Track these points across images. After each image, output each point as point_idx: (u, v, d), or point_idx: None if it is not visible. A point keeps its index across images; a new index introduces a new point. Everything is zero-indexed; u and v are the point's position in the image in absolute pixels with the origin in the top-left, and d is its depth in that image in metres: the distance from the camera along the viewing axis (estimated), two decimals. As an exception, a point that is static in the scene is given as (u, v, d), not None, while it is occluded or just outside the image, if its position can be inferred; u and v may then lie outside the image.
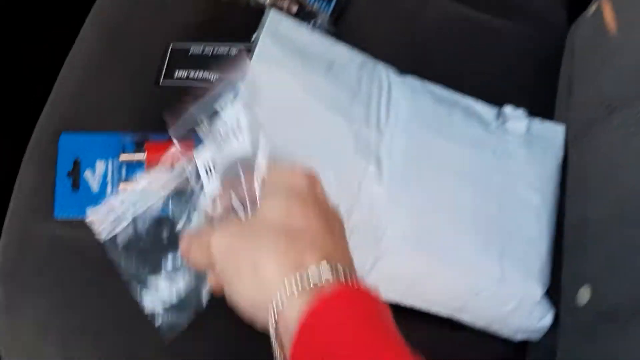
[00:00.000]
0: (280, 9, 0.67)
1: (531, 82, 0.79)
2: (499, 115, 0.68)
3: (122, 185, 0.58)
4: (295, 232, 0.39)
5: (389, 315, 0.39)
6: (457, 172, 0.62)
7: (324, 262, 0.38)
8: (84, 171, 0.59)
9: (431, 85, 0.69)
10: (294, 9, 0.68)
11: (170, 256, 0.50)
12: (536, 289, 0.60)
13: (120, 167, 0.59)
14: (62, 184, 0.58)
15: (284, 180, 0.43)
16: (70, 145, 0.59)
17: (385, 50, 0.72)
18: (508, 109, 0.68)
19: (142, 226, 0.49)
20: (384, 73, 0.67)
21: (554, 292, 0.62)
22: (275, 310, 0.37)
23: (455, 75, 0.74)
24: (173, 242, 0.49)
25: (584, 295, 0.59)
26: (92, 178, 0.59)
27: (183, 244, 0.46)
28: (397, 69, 0.69)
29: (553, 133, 0.68)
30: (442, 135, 0.64)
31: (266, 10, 0.66)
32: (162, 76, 0.67)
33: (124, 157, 0.59)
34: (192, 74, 0.65)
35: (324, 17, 0.69)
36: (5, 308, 0.56)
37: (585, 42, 0.72)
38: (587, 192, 0.65)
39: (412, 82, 0.67)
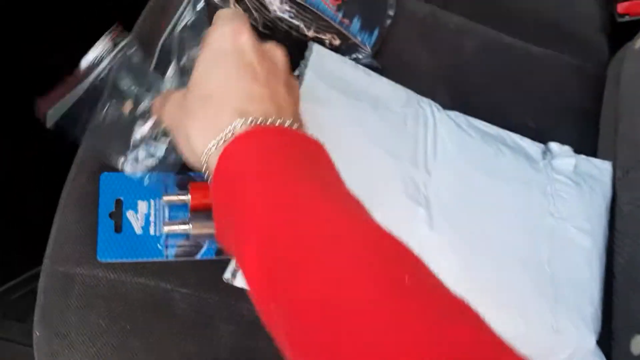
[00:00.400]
0: (323, 41, 0.66)
1: (572, 111, 0.77)
2: (546, 152, 0.67)
3: (166, 228, 0.56)
4: (212, 98, 0.43)
5: (316, 152, 0.42)
6: (508, 214, 0.60)
7: (237, 118, 0.41)
8: (126, 212, 0.57)
9: (476, 120, 0.67)
10: (337, 41, 0.66)
11: (141, 127, 0.55)
12: (590, 337, 0.58)
13: (163, 208, 0.58)
14: (104, 225, 0.56)
15: (207, 44, 0.45)
16: (111, 185, 0.58)
17: (426, 82, 0.71)
18: (554, 146, 0.67)
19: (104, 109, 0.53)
20: (429, 109, 0.65)
21: (605, 338, 0.60)
22: (206, 171, 0.43)
23: (497, 106, 0.72)
24: (143, 115, 0.54)
25: (639, 343, 0.58)
26: (135, 219, 0.57)
27: (155, 106, 0.52)
28: (439, 101, 0.67)
29: (600, 171, 0.67)
30: (490, 175, 0.62)
31: (309, 43, 0.64)
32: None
33: (167, 198, 0.57)
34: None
35: (366, 50, 0.67)
36: (47, 355, 0.54)
37: (633, 75, 0.70)
38: (638, 232, 0.63)
39: (457, 118, 0.66)
